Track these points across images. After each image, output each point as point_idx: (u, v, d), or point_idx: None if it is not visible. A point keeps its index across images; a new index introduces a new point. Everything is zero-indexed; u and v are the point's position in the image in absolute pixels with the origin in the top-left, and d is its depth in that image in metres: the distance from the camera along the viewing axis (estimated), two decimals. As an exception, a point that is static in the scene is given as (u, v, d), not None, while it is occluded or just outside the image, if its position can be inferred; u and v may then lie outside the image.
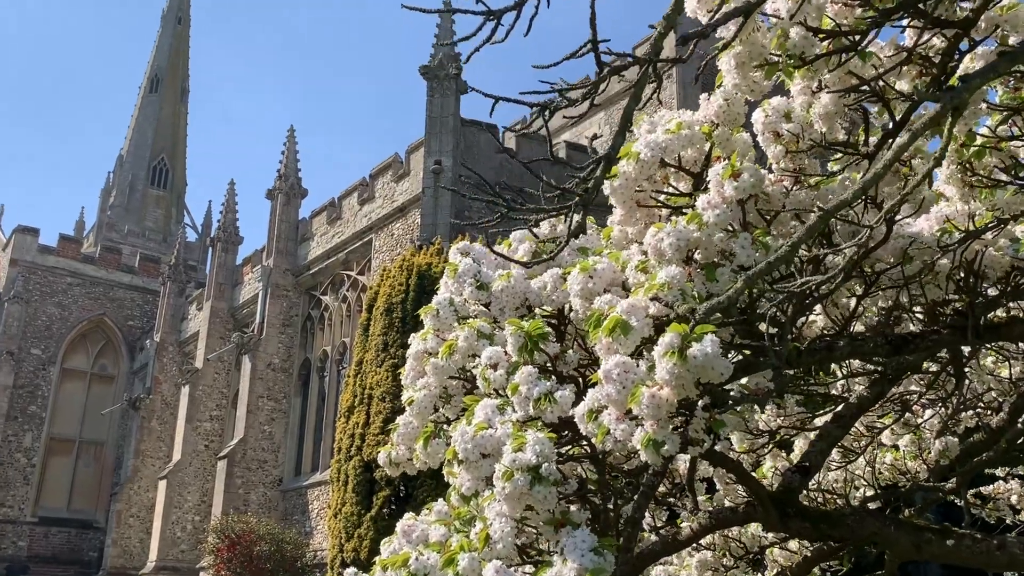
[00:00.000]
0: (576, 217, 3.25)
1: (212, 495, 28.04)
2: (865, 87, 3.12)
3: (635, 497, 3.78)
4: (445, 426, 4.81)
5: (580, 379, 4.07)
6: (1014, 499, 6.30)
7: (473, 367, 4.67)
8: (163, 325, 36.07)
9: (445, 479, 5.08)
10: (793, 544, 5.27)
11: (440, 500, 4.54)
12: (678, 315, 3.30)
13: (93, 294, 41.11)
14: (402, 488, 16.98)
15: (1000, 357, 4.54)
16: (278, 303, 28.47)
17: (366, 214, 25.78)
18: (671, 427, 3.08)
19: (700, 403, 3.14)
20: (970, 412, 5.02)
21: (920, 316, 3.80)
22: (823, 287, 3.06)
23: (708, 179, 3.45)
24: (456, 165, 22.86)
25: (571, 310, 4.50)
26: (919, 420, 5.15)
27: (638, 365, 3.20)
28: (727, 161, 3.58)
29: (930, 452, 5.32)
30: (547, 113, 2.99)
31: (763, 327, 3.37)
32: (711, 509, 4.61)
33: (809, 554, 5.47)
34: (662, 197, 4.31)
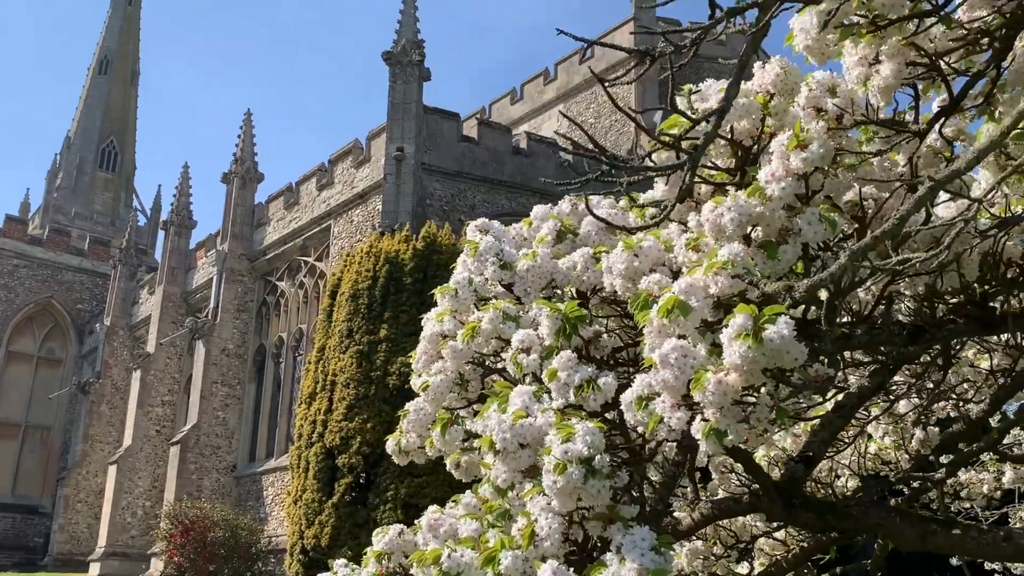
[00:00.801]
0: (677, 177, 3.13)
1: (164, 480, 27.67)
2: (925, 60, 3.11)
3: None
4: (460, 413, 4.77)
5: (612, 365, 4.04)
6: (985, 488, 6.37)
7: (492, 351, 4.64)
8: (113, 309, 35.45)
9: (423, 466, 4.99)
10: (780, 534, 5.30)
11: (468, 492, 4.30)
12: (763, 294, 3.22)
13: (40, 276, 40.25)
14: (363, 475, 16.95)
15: (980, 348, 4.59)
16: (233, 288, 28.15)
17: (325, 200, 25.57)
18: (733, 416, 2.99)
19: (764, 390, 3.00)
20: (941, 403, 5.08)
21: (910, 305, 3.83)
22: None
23: (770, 151, 3.40)
24: (419, 152, 22.77)
25: (594, 292, 4.51)
26: (901, 411, 5.22)
27: (695, 348, 3.11)
28: (790, 132, 3.41)
29: (911, 442, 5.38)
30: (648, 60, 2.93)
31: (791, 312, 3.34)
32: (712, 499, 4.51)
33: (806, 544, 5.51)
34: (704, 173, 4.25)
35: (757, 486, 5.53)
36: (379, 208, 22.61)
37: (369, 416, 17.18)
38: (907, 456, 5.22)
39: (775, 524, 5.15)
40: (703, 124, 3.24)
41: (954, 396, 4.93)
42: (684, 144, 3.68)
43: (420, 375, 4.96)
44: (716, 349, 3.12)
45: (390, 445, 5.07)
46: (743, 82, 3.68)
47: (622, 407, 3.40)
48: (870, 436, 5.63)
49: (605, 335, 4.25)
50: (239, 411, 27.12)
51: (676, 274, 3.73)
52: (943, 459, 5.73)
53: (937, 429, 5.23)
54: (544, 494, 3.20)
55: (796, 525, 4.66)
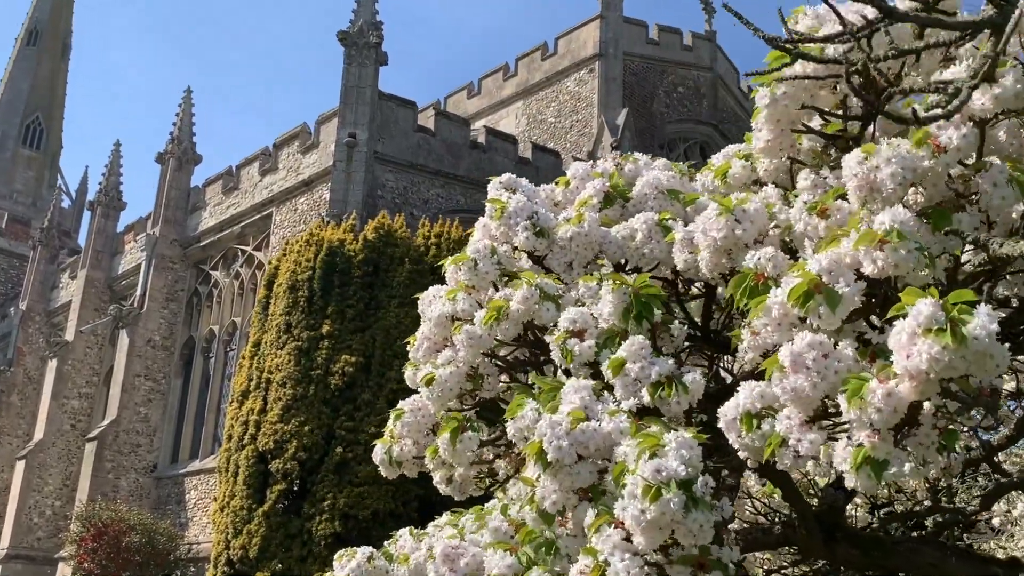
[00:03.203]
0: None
1: (76, 479, 25.82)
2: None
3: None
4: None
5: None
6: (996, 521, 6.07)
7: (517, 338, 3.57)
8: (31, 292, 33.22)
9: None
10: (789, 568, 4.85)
11: (495, 513, 3.40)
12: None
13: (-49, 254, 37.89)
14: (297, 482, 15.59)
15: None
16: (162, 275, 26.44)
17: (267, 186, 24.11)
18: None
19: (929, 406, 2.25)
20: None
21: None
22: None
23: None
24: (371, 140, 21.51)
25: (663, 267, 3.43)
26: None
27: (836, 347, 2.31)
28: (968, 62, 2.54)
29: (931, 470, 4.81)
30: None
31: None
32: (737, 529, 3.99)
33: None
34: (815, 123, 3.28)
35: (767, 513, 4.72)
36: (326, 197, 21.29)
37: (307, 419, 15.88)
38: (927, 484, 4.81)
39: (789, 559, 4.76)
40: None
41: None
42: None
43: (419, 366, 3.94)
44: (864, 349, 2.40)
45: (378, 453, 4.01)
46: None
47: (720, 423, 2.61)
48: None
49: (675, 323, 3.28)
50: (163, 407, 25.40)
51: (791, 251, 2.97)
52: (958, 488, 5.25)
53: (959, 456, 4.67)
54: (615, 525, 2.50)
55: (836, 562, 4.12)
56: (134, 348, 25.54)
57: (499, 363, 3.72)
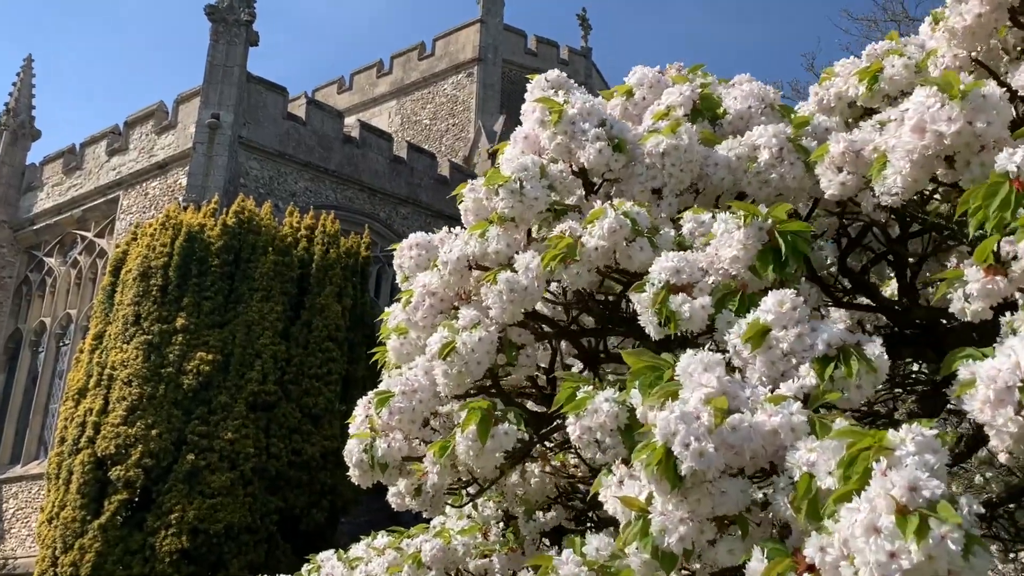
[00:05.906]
0: None
1: None
2: None
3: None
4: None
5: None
6: None
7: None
8: None
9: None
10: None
11: (567, 553, 2.33)
12: None
13: None
14: (140, 492, 13.94)
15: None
16: (-12, 260, 23.88)
17: (115, 167, 22.03)
18: None
19: None
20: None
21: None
22: None
23: None
24: (237, 124, 19.91)
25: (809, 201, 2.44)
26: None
27: None
28: None
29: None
30: None
31: None
32: None
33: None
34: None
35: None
36: (183, 182, 19.55)
37: (155, 421, 14.25)
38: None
39: None
40: None
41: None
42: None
43: (404, 333, 2.81)
44: None
45: (353, 452, 2.82)
46: None
47: (979, 393, 1.78)
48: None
49: (803, 280, 2.34)
50: (-19, 406, 22.80)
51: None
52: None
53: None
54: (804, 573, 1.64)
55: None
56: (-49, 339, 22.90)
57: (531, 329, 2.64)
